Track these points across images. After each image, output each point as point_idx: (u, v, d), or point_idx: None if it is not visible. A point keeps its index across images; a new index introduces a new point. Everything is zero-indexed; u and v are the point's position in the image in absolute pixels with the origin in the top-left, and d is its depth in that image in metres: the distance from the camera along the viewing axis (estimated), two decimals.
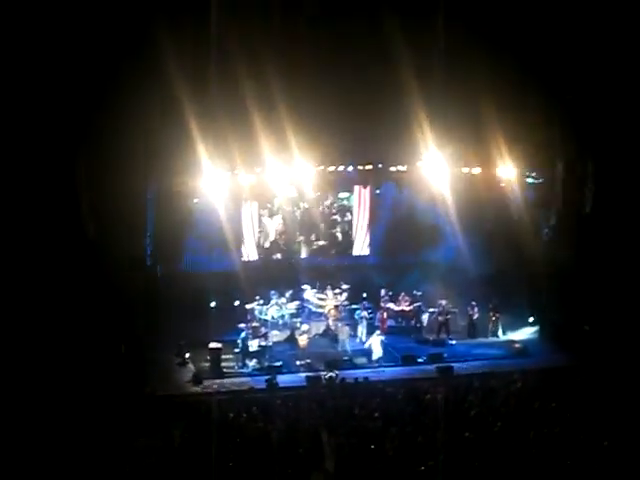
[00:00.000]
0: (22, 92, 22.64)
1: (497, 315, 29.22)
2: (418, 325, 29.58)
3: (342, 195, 32.22)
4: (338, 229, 32.52)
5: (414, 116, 26.47)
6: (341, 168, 29.57)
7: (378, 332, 27.19)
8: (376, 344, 26.67)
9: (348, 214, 32.53)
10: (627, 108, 25.87)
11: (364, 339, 27.75)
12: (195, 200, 28.21)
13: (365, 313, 28.49)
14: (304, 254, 32.22)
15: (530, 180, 29.55)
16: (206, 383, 24.76)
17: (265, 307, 28.78)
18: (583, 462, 16.28)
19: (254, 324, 27.44)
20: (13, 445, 16.99)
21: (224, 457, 16.53)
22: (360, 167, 29.89)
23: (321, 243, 32.29)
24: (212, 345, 25.88)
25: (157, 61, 23.84)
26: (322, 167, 28.98)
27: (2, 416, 18.58)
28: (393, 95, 26.15)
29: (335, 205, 32.28)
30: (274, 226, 31.56)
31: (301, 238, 32.05)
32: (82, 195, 24.21)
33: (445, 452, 16.68)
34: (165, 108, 24.15)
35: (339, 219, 32.47)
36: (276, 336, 28.00)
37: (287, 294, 29.36)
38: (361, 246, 32.67)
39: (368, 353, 26.77)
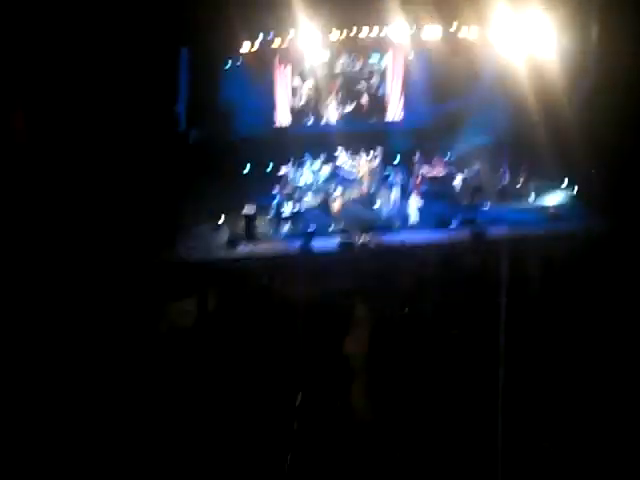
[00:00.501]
0: None
1: (529, 179, 29.11)
2: (451, 189, 29.55)
3: (374, 60, 31.67)
4: (371, 93, 32.12)
5: None
6: (375, 31, 29.07)
7: (414, 195, 27.15)
8: (412, 208, 26.74)
9: (380, 78, 32.11)
10: None
11: (398, 203, 27.68)
12: (228, 64, 28.08)
13: (399, 177, 28.34)
14: (337, 118, 31.94)
15: (566, 45, 29.11)
16: (240, 247, 25.04)
17: (298, 172, 28.79)
18: (615, 332, 16.40)
19: (287, 189, 27.56)
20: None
21: (258, 322, 16.79)
22: (394, 31, 29.36)
23: (354, 107, 32.01)
24: (246, 210, 26.02)
25: None
26: (355, 30, 28.54)
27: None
28: None
29: (367, 69, 31.80)
30: (306, 90, 31.27)
31: (334, 102, 31.78)
32: (111, 53, 24.05)
33: (477, 317, 16.86)
34: None
35: (372, 83, 32.06)
36: (309, 201, 28.10)
37: (320, 159, 29.31)
38: (395, 110, 32.35)
39: (403, 217, 26.85)
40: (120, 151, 23.74)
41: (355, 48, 30.04)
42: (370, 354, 16.35)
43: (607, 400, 14.74)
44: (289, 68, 30.28)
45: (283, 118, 30.84)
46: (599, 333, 16.23)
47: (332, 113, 31.55)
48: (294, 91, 30.88)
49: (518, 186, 29.17)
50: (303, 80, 30.93)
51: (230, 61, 28.11)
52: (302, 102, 31.11)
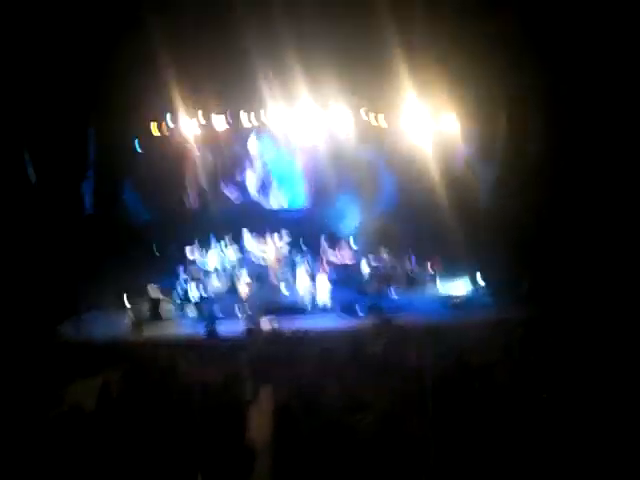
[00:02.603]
0: None
1: (436, 268, 29.36)
2: (358, 276, 29.66)
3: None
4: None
5: (356, 66, 26.19)
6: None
7: (320, 280, 27.21)
8: (318, 293, 26.83)
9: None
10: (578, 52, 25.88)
11: (305, 288, 27.60)
12: (136, 142, 28.01)
13: (306, 262, 28.36)
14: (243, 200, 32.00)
15: (472, 133, 29.71)
16: (145, 329, 24.66)
17: (205, 255, 28.68)
18: (519, 414, 16.42)
19: (194, 272, 27.41)
20: None
21: (161, 404, 16.47)
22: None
23: (261, 190, 32.14)
24: (151, 292, 25.78)
25: None
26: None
27: None
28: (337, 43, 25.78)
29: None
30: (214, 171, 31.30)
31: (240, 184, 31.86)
32: (23, 136, 23.89)
33: (382, 404, 16.75)
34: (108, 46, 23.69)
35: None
36: (216, 284, 27.93)
37: (228, 242, 29.23)
38: (297, 197, 32.65)
39: (310, 302, 26.84)
40: (23, 227, 23.38)
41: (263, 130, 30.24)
42: (272, 440, 16.10)
43: None
44: (198, 150, 30.30)
45: (190, 200, 30.73)
46: (501, 419, 16.26)
47: (239, 195, 31.64)
48: (203, 173, 30.86)
49: (425, 274, 29.43)
50: (213, 163, 30.98)
51: (138, 142, 28.03)
52: (210, 184, 31.11)
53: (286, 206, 32.66)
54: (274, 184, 32.29)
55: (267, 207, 32.41)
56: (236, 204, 31.65)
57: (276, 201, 32.52)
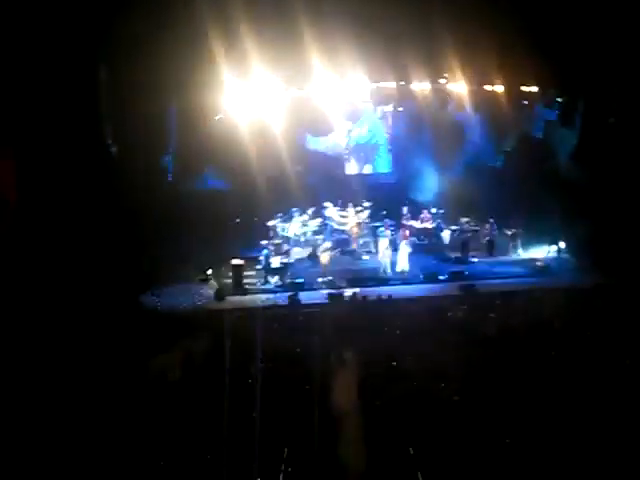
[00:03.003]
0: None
1: (517, 233, 29.18)
2: (439, 243, 29.61)
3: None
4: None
5: (437, 33, 26.05)
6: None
7: (402, 247, 27.14)
8: (400, 260, 26.80)
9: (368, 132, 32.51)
10: None
11: (387, 256, 27.58)
12: (217, 117, 28.17)
13: (387, 231, 28.32)
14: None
15: (554, 99, 29.40)
16: (228, 299, 24.99)
17: (287, 224, 28.83)
18: (602, 381, 16.37)
19: (276, 241, 27.59)
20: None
21: (245, 373, 16.70)
22: (383, 85, 29.58)
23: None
24: (234, 262, 25.97)
25: None
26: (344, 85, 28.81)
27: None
28: (417, 11, 25.69)
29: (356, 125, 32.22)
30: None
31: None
32: (106, 113, 24.27)
33: (465, 371, 16.82)
34: (188, 24, 23.90)
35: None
36: (298, 253, 28.13)
37: (309, 211, 29.37)
38: (382, 164, 32.65)
39: (392, 269, 26.87)
40: (107, 201, 23.78)
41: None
42: (357, 407, 16.25)
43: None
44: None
45: (271, 169, 30.83)
46: (582, 386, 16.20)
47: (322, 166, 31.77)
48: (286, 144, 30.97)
49: (506, 240, 29.25)
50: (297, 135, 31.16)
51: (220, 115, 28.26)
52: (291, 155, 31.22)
53: (371, 172, 32.79)
54: (365, 151, 32.43)
55: (350, 173, 32.52)
56: (318, 174, 31.65)
57: (362, 167, 32.65)
